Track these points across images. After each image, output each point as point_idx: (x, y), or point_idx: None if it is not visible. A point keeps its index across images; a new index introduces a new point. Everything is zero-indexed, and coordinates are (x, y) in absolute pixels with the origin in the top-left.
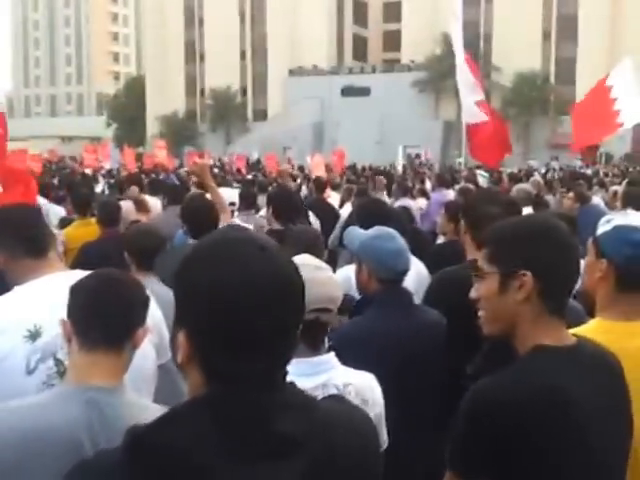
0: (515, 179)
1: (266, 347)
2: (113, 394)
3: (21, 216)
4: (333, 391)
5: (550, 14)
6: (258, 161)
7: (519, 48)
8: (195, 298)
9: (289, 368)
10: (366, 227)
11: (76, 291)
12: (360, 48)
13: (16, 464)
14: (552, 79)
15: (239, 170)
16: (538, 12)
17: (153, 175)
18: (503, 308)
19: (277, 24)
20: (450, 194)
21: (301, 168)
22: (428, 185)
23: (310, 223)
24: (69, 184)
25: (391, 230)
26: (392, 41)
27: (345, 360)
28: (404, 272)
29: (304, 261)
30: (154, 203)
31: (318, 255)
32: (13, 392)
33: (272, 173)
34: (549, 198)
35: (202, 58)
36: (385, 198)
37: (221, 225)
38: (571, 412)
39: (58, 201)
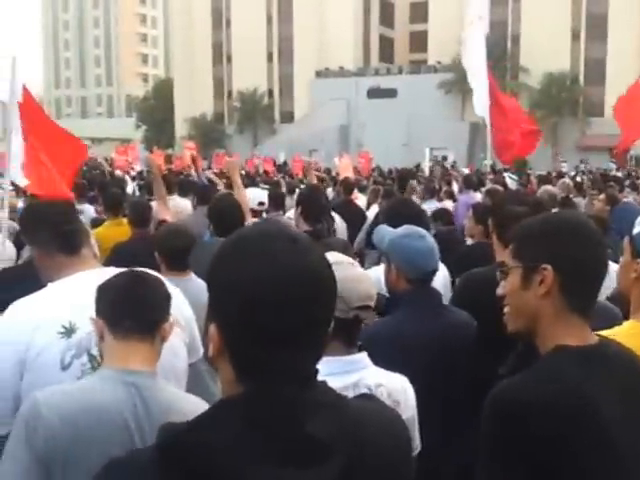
0: (544, 181)
1: (296, 343)
2: (151, 378)
3: (56, 213)
4: (364, 391)
5: (579, 13)
6: (285, 163)
7: (547, 48)
8: (225, 292)
9: (320, 366)
10: (395, 227)
11: (104, 289)
12: (386, 49)
13: (74, 439)
14: (581, 80)
15: (266, 172)
16: (567, 11)
17: (182, 176)
18: (525, 303)
19: (303, 26)
20: (477, 196)
21: (328, 170)
22: (455, 187)
23: (334, 225)
24: (100, 185)
25: (420, 229)
26: (419, 42)
27: (373, 360)
28: (433, 272)
29: (338, 258)
30: (184, 204)
31: None
32: (48, 386)
33: (298, 174)
34: (578, 200)
35: (229, 60)
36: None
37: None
38: (594, 414)
39: (89, 202)
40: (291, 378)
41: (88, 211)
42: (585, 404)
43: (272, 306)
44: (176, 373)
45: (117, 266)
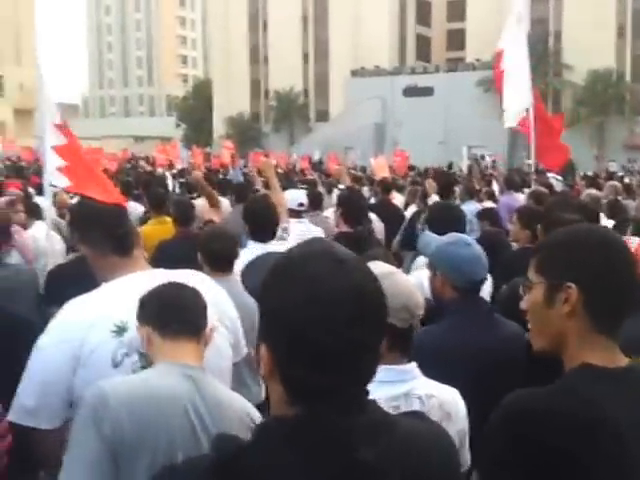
0: (592, 183)
1: (346, 365)
2: (202, 372)
3: (110, 215)
4: (415, 402)
5: (624, 9)
6: (320, 161)
7: (591, 45)
8: (273, 314)
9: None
10: (437, 232)
11: (149, 299)
12: (423, 48)
13: (140, 428)
14: (628, 77)
15: (303, 170)
16: (612, 6)
17: (220, 175)
18: (549, 321)
19: (339, 26)
20: (519, 198)
21: (363, 169)
22: (495, 187)
23: (371, 225)
24: (145, 183)
25: (466, 237)
26: (456, 40)
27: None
28: (481, 281)
29: (392, 269)
30: (225, 203)
31: None
32: (96, 376)
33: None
34: (627, 203)
35: (266, 61)
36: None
37: (281, 226)
38: (613, 431)
39: (135, 199)
40: (342, 401)
41: (134, 209)
42: (603, 419)
43: (320, 328)
44: (221, 373)
45: (161, 264)
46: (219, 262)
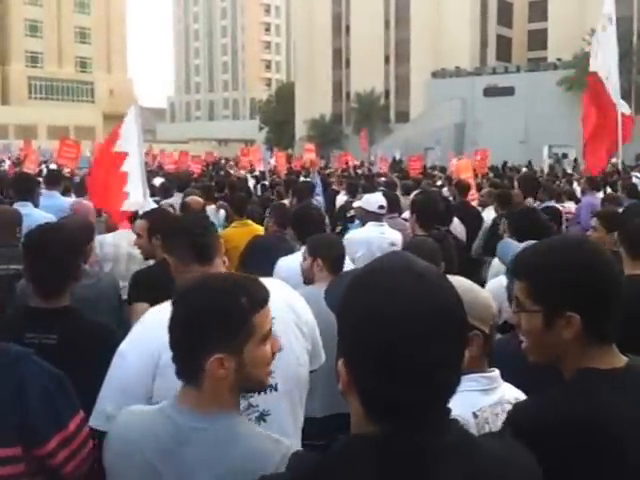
0: None
1: (426, 381)
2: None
3: (192, 224)
4: (508, 407)
5: None
6: (400, 161)
7: None
8: (352, 328)
9: (469, 382)
10: (519, 238)
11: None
12: (504, 48)
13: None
14: None
15: (383, 173)
16: None
17: (301, 177)
18: (548, 343)
19: (420, 28)
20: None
21: (443, 169)
22: (575, 186)
23: (449, 231)
24: (230, 186)
25: None
26: (537, 40)
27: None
28: None
29: (465, 282)
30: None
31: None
32: (173, 386)
33: (417, 171)
34: None
35: (348, 64)
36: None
37: None
38: (611, 435)
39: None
40: (422, 420)
41: (214, 213)
42: (605, 424)
43: (398, 343)
44: (299, 381)
45: (253, 259)
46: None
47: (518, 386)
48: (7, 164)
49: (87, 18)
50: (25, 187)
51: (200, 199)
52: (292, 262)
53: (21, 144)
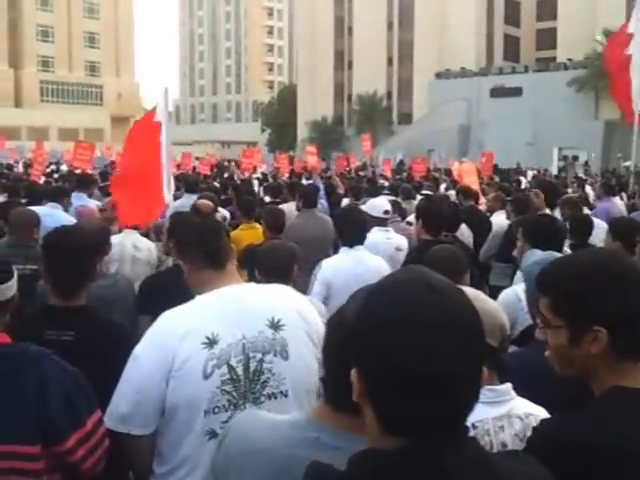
0: None
1: (439, 395)
2: None
3: (205, 230)
4: (516, 422)
5: None
6: (402, 162)
7: None
8: (364, 340)
9: None
10: (535, 245)
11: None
12: (511, 48)
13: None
14: None
15: (385, 175)
16: None
17: (303, 180)
18: (575, 358)
19: (424, 29)
20: (617, 203)
21: (447, 172)
22: (588, 190)
23: (456, 237)
24: (234, 189)
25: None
26: (546, 40)
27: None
28: None
29: (478, 294)
30: (289, 208)
31: (458, 279)
32: (191, 394)
33: (420, 173)
34: None
35: (350, 65)
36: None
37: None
38: (636, 458)
39: (223, 205)
40: (439, 437)
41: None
42: (633, 449)
43: (407, 356)
44: (308, 391)
45: (248, 266)
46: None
47: (537, 399)
48: (20, 165)
49: (96, 23)
50: (85, 183)
51: (210, 203)
52: (337, 261)
53: (33, 145)
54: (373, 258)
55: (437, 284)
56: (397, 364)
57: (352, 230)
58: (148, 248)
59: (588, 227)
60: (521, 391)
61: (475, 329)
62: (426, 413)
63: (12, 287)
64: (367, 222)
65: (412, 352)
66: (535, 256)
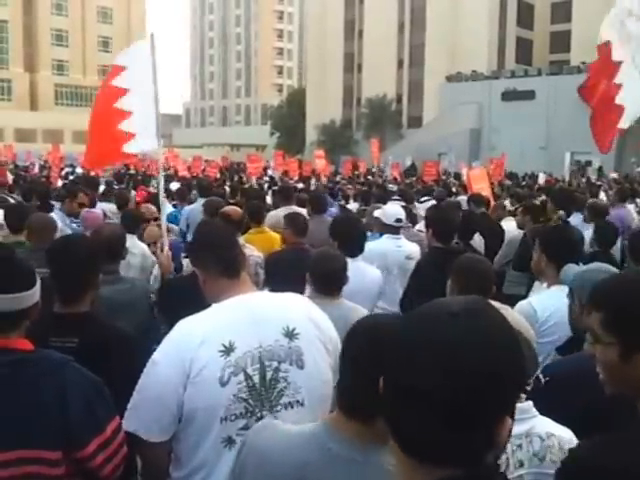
0: None
1: (462, 424)
2: None
3: (220, 239)
4: (536, 441)
5: None
6: (412, 166)
7: None
8: (389, 376)
9: None
10: (552, 255)
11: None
12: (524, 51)
13: None
14: None
15: (395, 178)
16: None
17: (302, 184)
18: (625, 376)
19: (436, 31)
20: (631, 211)
21: (457, 176)
22: (602, 196)
23: (469, 244)
24: (243, 193)
25: (606, 266)
26: (560, 42)
27: (551, 399)
28: None
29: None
30: (279, 214)
31: (488, 289)
32: (209, 400)
33: (431, 176)
34: None
35: (359, 69)
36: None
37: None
38: None
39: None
40: (469, 473)
41: None
42: None
43: (425, 384)
44: (322, 399)
45: (277, 274)
46: (328, 283)
47: (569, 409)
48: (36, 167)
49: (110, 28)
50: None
51: (239, 209)
52: (376, 245)
53: (49, 148)
54: (370, 270)
55: (459, 309)
56: (409, 396)
57: (349, 242)
58: (142, 254)
59: (613, 237)
60: (558, 399)
61: (504, 352)
62: (452, 446)
63: (35, 294)
64: (364, 232)
65: (427, 383)
66: (573, 268)
